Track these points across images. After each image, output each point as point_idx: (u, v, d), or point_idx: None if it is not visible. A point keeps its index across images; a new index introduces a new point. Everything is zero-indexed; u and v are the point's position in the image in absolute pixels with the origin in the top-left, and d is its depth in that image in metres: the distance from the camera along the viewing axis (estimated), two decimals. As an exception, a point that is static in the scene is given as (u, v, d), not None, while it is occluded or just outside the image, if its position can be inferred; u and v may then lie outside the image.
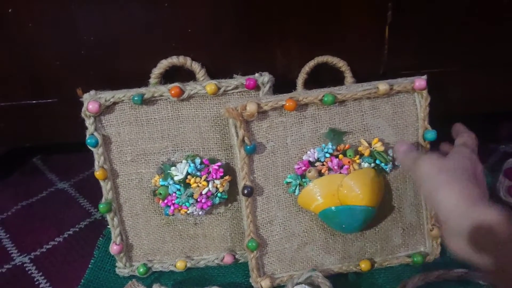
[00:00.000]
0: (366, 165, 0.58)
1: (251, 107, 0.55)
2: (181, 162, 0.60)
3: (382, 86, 0.57)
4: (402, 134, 0.60)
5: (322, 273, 0.60)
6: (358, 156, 0.58)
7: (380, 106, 0.59)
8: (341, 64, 0.64)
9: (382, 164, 0.59)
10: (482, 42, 0.65)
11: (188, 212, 0.60)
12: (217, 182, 0.60)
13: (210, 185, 0.60)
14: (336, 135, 0.58)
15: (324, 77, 0.65)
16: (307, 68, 0.64)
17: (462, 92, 0.69)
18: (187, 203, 0.60)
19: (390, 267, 0.63)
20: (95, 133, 0.59)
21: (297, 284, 0.58)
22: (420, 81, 0.58)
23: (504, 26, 0.64)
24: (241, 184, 0.58)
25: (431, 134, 0.59)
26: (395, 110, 0.60)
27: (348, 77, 0.64)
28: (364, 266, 0.62)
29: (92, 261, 0.68)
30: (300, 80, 0.65)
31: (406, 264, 0.63)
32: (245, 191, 0.58)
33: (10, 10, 0.59)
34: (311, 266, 0.62)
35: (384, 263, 0.63)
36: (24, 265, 0.69)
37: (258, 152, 0.58)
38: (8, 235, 0.75)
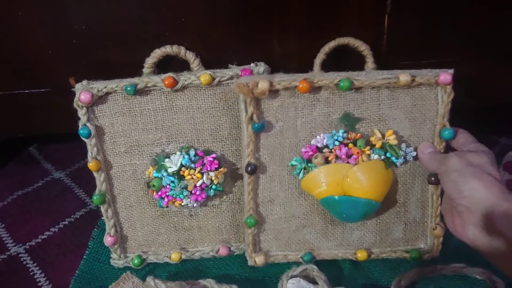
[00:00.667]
0: (375, 157, 0.56)
1: (263, 85, 0.53)
2: (175, 153, 0.59)
3: (404, 77, 0.54)
4: (418, 128, 0.57)
5: (317, 256, 0.60)
6: (368, 147, 0.56)
7: (399, 97, 0.56)
8: (363, 47, 0.61)
9: (393, 158, 0.57)
10: (484, 32, 0.63)
11: (182, 204, 0.60)
12: (212, 174, 0.59)
13: (204, 177, 0.59)
14: (350, 120, 0.56)
15: (344, 60, 0.62)
16: (326, 48, 0.61)
17: (463, 84, 0.68)
18: (181, 195, 0.59)
19: (387, 260, 0.62)
20: (88, 124, 0.58)
21: (292, 277, 0.58)
22: (445, 75, 0.54)
23: (506, 14, 0.62)
24: (245, 161, 0.57)
25: (449, 133, 0.56)
26: (414, 102, 0.56)
27: (370, 62, 0.62)
28: (361, 255, 0.62)
29: (87, 252, 0.68)
30: (317, 61, 0.62)
31: (403, 258, 0.62)
32: (249, 169, 0.57)
33: (-2, -2, 0.57)
34: (307, 249, 0.62)
35: (381, 255, 0.62)
36: (19, 255, 0.69)
37: (266, 130, 0.56)
38: (3, 225, 0.75)
